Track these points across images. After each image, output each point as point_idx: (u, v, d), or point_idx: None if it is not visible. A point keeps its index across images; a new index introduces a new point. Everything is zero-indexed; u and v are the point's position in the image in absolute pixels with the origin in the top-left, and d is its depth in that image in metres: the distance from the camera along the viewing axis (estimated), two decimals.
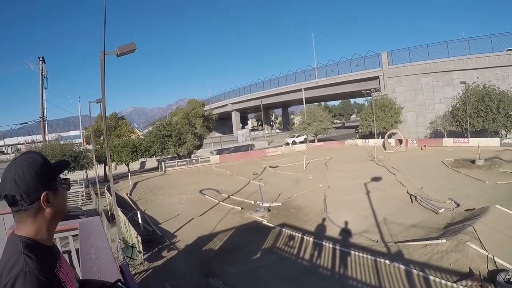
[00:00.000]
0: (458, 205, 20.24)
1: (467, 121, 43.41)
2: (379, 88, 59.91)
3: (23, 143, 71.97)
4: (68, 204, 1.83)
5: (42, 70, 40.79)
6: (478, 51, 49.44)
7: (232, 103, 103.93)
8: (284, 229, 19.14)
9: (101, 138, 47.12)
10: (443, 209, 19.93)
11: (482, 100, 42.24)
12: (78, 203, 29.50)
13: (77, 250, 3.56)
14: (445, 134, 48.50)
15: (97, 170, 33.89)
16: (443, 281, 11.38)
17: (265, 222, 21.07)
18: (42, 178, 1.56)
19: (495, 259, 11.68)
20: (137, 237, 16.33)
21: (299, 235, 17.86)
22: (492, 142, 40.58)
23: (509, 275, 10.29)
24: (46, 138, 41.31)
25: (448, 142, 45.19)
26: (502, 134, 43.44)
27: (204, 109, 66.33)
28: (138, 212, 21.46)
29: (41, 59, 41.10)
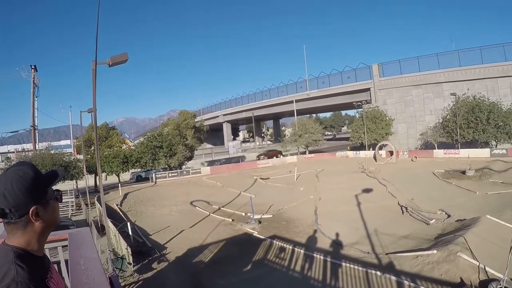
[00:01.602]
0: (449, 216, 20.32)
1: (457, 132, 43.81)
2: (370, 100, 60.39)
3: (13, 152, 71.27)
4: None
5: (34, 78, 40.64)
6: (468, 63, 50.31)
7: (224, 115, 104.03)
8: (275, 241, 19.07)
9: (92, 148, 46.90)
10: (434, 220, 20.00)
11: (472, 111, 42.74)
12: (68, 214, 29.31)
13: (66, 261, 3.51)
14: (436, 145, 48.90)
15: (87, 180, 33.65)
16: None
17: (255, 234, 20.98)
18: (32, 192, 1.54)
19: (486, 269, 11.69)
20: (127, 249, 16.17)
21: (290, 247, 17.81)
22: (483, 153, 40.94)
23: (500, 285, 10.30)
24: (37, 147, 41.03)
25: (438, 153, 45.49)
26: (492, 145, 43.93)
27: (196, 120, 66.39)
28: (128, 223, 21.30)
29: (33, 67, 40.97)
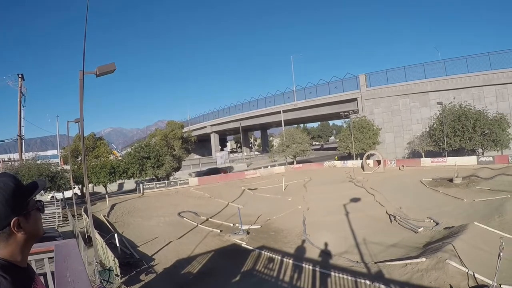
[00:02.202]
0: (437, 224, 20.40)
1: (444, 140, 44.27)
2: (357, 109, 60.85)
3: None
4: (44, 225, 1.76)
5: (21, 87, 40.20)
6: (454, 72, 51.09)
7: (211, 125, 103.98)
8: (263, 252, 18.93)
9: (78, 159, 46.42)
10: (422, 228, 20.05)
11: (458, 119, 43.30)
12: (55, 225, 28.92)
13: (52, 273, 3.44)
14: (423, 154, 49.30)
15: (73, 191, 33.31)
16: None
17: (244, 244, 20.82)
18: (12, 204, 1.52)
19: (475, 275, 11.71)
20: (114, 260, 15.93)
21: (279, 258, 17.68)
22: (469, 161, 41.41)
23: None
24: (23, 157, 40.51)
25: (426, 161, 45.88)
26: (479, 153, 44.50)
27: (183, 130, 66.07)
28: (116, 235, 21.03)
29: (20, 76, 40.56)
